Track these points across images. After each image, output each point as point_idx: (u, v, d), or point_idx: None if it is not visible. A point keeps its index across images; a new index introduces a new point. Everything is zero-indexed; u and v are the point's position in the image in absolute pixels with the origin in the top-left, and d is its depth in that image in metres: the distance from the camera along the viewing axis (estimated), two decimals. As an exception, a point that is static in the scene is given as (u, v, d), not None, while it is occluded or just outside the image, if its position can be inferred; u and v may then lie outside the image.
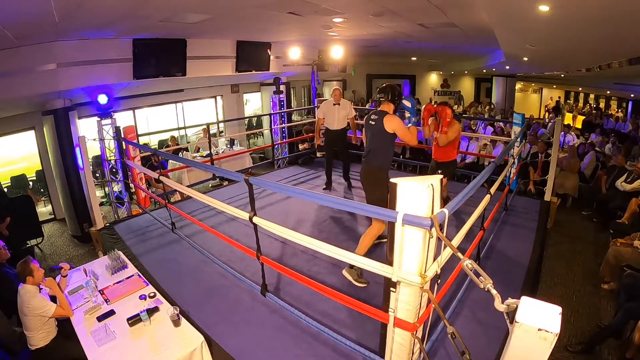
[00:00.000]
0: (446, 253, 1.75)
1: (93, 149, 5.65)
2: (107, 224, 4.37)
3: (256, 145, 10.32)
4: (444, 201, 2.73)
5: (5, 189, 6.24)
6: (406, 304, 1.67)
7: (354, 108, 5.18)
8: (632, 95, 11.67)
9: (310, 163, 6.50)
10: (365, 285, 2.88)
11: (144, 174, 5.50)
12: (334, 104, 4.89)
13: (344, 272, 2.96)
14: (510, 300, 1.15)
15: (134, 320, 2.41)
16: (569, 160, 5.92)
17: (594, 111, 13.89)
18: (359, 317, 2.45)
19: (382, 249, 3.21)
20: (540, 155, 5.92)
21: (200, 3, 4.04)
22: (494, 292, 1.20)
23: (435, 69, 15.85)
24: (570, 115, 14.13)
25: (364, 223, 3.93)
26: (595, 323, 3.21)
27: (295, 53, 7.01)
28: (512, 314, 1.12)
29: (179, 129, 8.53)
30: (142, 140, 7.00)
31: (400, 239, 1.56)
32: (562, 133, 7.98)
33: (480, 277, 1.24)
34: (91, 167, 4.93)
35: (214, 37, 6.52)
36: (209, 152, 6.14)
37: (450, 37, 6.79)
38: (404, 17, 5.25)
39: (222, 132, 9.59)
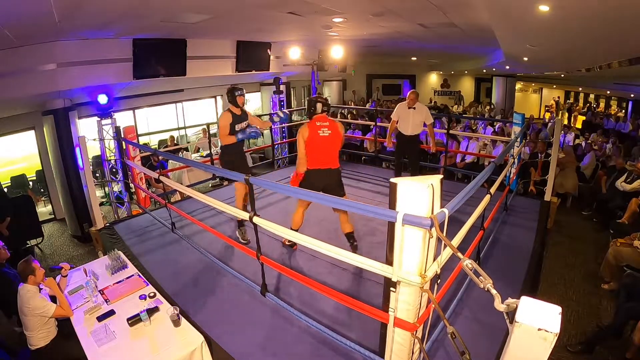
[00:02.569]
0: (446, 253, 1.75)
1: (93, 149, 5.65)
2: (107, 224, 4.37)
3: (256, 145, 10.31)
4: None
5: (5, 189, 6.25)
6: (406, 303, 1.67)
7: (356, 109, 5.17)
8: (632, 95, 11.66)
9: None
10: (247, 242, 3.53)
11: (144, 174, 5.50)
12: (409, 108, 4.62)
13: (237, 233, 3.67)
14: (510, 300, 1.15)
15: (134, 320, 2.41)
16: (566, 159, 5.91)
17: (594, 111, 13.87)
18: (359, 317, 2.44)
19: (382, 249, 3.21)
20: (540, 155, 5.92)
21: (200, 3, 4.04)
22: (493, 292, 1.20)
23: (435, 69, 15.86)
24: (567, 114, 14.11)
25: (363, 223, 3.93)
26: (595, 323, 3.21)
27: (295, 53, 7.01)
28: (512, 313, 1.12)
29: (179, 129, 8.53)
30: (142, 140, 7.01)
31: (400, 239, 1.56)
32: (562, 133, 7.99)
33: (480, 277, 1.24)
34: (91, 167, 4.93)
35: (214, 37, 6.52)
36: (209, 152, 6.15)
37: (450, 37, 6.79)
38: (404, 17, 5.25)
39: (222, 132, 9.58)
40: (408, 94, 4.67)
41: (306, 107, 3.19)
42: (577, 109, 15.16)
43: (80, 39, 4.92)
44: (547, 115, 14.66)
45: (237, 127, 3.59)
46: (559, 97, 16.70)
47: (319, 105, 3.07)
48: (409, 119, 4.62)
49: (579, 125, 12.47)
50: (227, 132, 3.52)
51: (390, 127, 4.98)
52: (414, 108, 4.59)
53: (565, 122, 10.98)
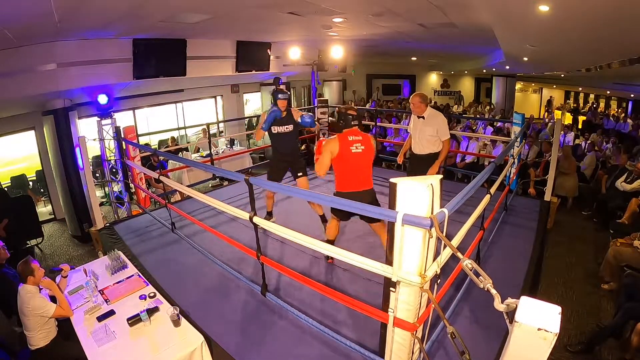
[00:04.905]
0: (446, 253, 1.75)
1: (93, 149, 5.65)
2: (107, 224, 4.37)
3: (256, 145, 10.32)
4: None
5: (6, 189, 6.24)
6: (406, 304, 1.67)
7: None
8: (632, 95, 11.67)
9: (311, 163, 6.50)
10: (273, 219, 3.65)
11: (144, 174, 5.50)
12: (418, 117, 3.62)
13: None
14: (510, 300, 1.15)
15: (134, 320, 2.41)
16: (563, 163, 5.91)
17: (594, 110, 13.85)
18: (359, 317, 2.45)
19: (382, 249, 3.21)
20: (545, 154, 5.91)
21: (200, 3, 4.05)
22: (493, 292, 1.20)
23: (435, 69, 15.87)
24: (559, 112, 14.06)
25: (363, 222, 3.93)
26: (595, 323, 3.21)
27: (295, 53, 7.01)
28: (511, 313, 1.12)
29: (179, 129, 8.53)
30: (142, 140, 7.00)
31: (400, 239, 1.56)
32: (562, 133, 7.99)
33: (480, 277, 1.24)
34: (91, 167, 4.92)
35: (214, 37, 6.52)
36: (209, 152, 6.15)
37: (450, 37, 6.79)
38: (404, 17, 5.25)
39: (222, 132, 9.59)
40: (410, 98, 3.71)
41: (336, 118, 2.81)
42: (566, 107, 15.14)
43: (80, 39, 4.93)
44: (547, 115, 14.66)
45: (275, 130, 3.60)
46: (551, 97, 16.67)
47: (349, 119, 2.70)
48: (417, 132, 3.67)
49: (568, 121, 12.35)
50: (260, 126, 3.57)
51: (406, 142, 3.98)
52: (423, 117, 3.58)
53: (566, 122, 10.95)
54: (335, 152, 2.70)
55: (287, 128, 3.63)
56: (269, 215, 4.01)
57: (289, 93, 3.67)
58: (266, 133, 3.63)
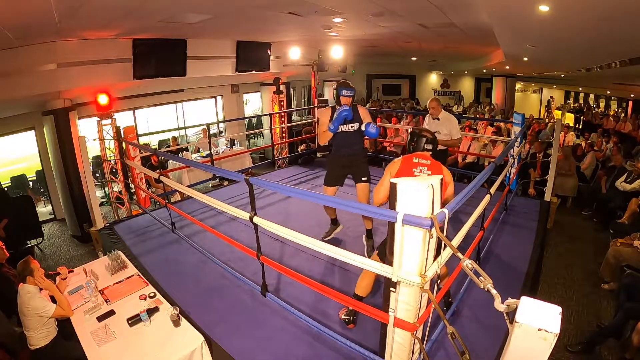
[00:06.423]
0: (446, 253, 1.75)
1: (93, 149, 5.64)
2: (107, 224, 4.37)
3: (256, 145, 10.32)
4: None
5: (6, 189, 6.25)
6: (406, 304, 1.67)
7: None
8: (632, 95, 11.65)
9: (310, 163, 6.51)
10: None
11: (144, 174, 5.50)
12: (433, 119, 4.04)
13: (363, 239, 3.41)
14: (510, 300, 1.15)
15: (134, 320, 2.42)
16: (563, 163, 5.89)
17: (593, 111, 13.84)
18: (359, 317, 2.45)
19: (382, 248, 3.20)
20: (538, 154, 5.92)
21: (200, 3, 4.05)
22: (493, 292, 1.20)
23: (435, 69, 15.89)
24: (559, 112, 14.03)
25: (361, 223, 3.92)
26: (595, 323, 3.22)
27: (295, 53, 7.02)
28: (512, 314, 1.12)
29: (179, 129, 8.53)
30: (142, 140, 6.99)
31: (400, 239, 1.56)
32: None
33: (480, 277, 1.24)
34: (91, 167, 4.92)
35: (214, 37, 6.53)
36: (209, 152, 6.15)
37: (450, 37, 6.79)
38: (404, 17, 5.25)
39: (222, 132, 9.59)
40: (428, 102, 4.14)
41: (408, 140, 2.44)
42: (566, 107, 15.12)
43: (80, 39, 4.93)
44: (547, 116, 14.65)
45: (339, 128, 3.09)
46: (551, 97, 16.65)
47: (421, 141, 2.33)
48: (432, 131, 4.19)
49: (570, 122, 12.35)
50: (327, 127, 3.10)
51: None
52: (438, 119, 4.01)
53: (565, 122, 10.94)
54: (394, 171, 2.20)
55: (352, 126, 3.13)
56: (333, 225, 3.62)
57: (354, 89, 3.14)
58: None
